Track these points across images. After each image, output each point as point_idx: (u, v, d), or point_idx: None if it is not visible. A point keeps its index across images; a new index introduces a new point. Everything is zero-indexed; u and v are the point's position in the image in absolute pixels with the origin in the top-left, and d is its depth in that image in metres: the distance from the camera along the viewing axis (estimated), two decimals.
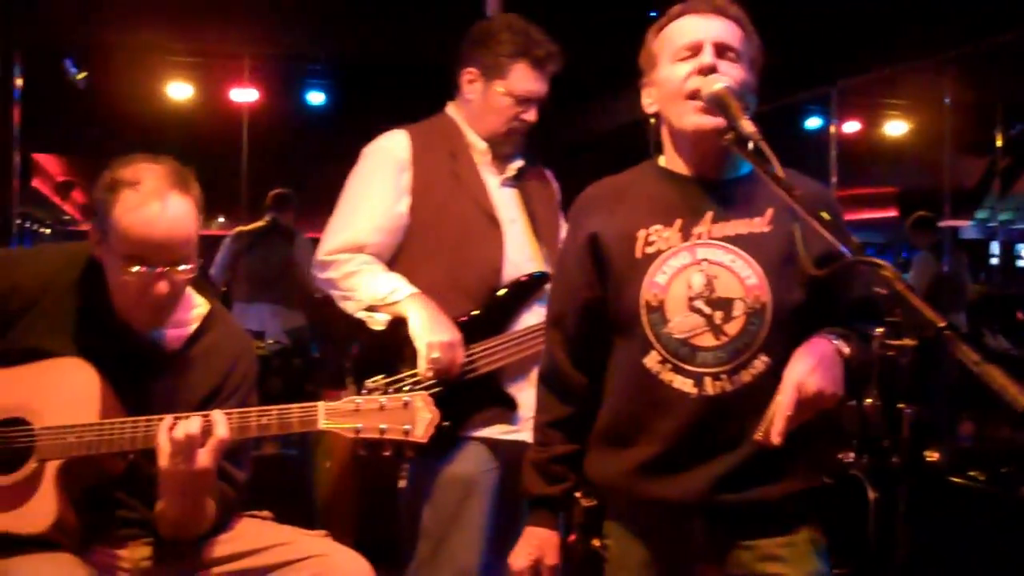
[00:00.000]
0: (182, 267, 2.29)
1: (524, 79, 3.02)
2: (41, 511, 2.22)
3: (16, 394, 2.30)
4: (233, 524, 2.47)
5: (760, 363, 2.05)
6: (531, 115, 3.06)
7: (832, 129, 9.24)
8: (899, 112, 10.68)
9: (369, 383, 2.91)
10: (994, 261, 11.48)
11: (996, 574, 4.33)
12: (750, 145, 1.96)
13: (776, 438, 1.95)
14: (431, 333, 2.84)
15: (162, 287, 2.28)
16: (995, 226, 11.95)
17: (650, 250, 2.11)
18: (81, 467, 2.27)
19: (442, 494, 2.96)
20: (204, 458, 2.18)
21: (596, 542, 2.22)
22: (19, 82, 5.78)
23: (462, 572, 2.95)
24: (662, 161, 2.23)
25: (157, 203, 2.23)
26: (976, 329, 8.47)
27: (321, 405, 2.21)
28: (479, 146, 3.09)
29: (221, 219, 13.00)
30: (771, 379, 2.02)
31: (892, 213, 12.09)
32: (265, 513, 2.58)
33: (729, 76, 2.07)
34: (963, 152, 9.66)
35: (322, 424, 2.21)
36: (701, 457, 2.07)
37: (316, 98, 9.62)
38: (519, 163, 3.14)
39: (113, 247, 2.28)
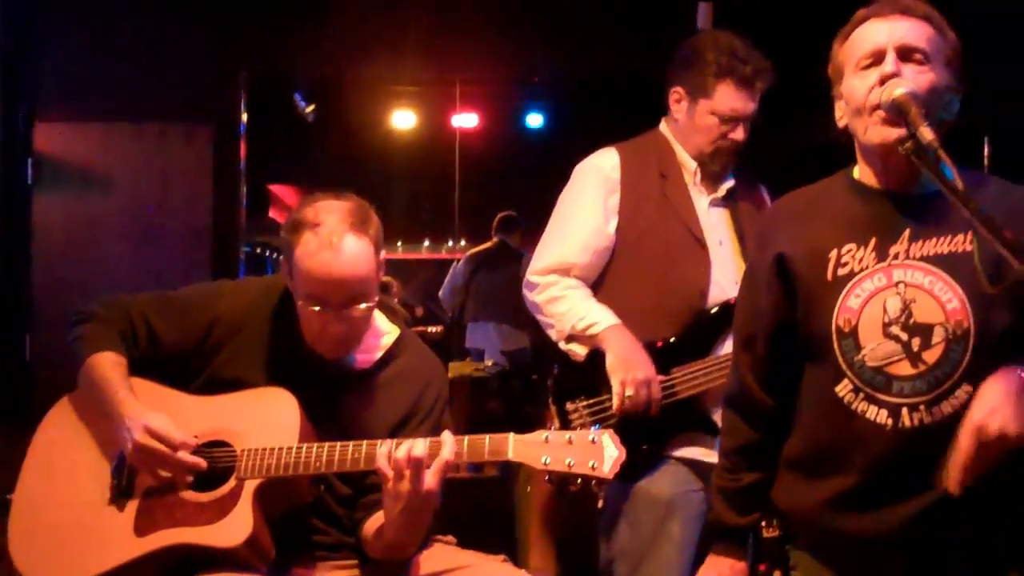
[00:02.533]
0: (359, 306, 2.34)
1: (729, 98, 2.96)
2: (237, 526, 2.28)
3: (221, 419, 2.40)
4: (424, 547, 2.49)
5: (963, 393, 1.92)
6: (738, 134, 2.99)
7: None
8: None
9: (569, 405, 2.93)
10: None
11: None
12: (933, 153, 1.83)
13: (955, 488, 1.84)
14: (626, 369, 2.82)
15: (338, 327, 2.35)
16: None
17: (842, 272, 2.01)
18: (277, 489, 2.33)
19: (641, 513, 2.93)
20: (431, 480, 2.19)
21: (778, 574, 2.13)
22: (244, 116, 6.05)
23: None
24: (856, 173, 2.12)
25: (333, 246, 2.29)
26: None
27: (511, 437, 2.20)
28: (689, 165, 3.05)
29: (426, 243, 13.29)
30: None
31: None
32: (448, 538, 2.59)
33: (914, 81, 1.94)
34: None
35: (510, 455, 2.20)
36: (899, 492, 1.96)
37: (535, 120, 9.70)
38: (730, 183, 3.08)
39: (297, 285, 2.36)
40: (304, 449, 2.30)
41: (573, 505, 3.56)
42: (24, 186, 5.61)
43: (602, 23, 6.82)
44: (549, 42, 7.18)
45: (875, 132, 1.98)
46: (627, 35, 6.78)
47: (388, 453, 2.19)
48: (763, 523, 2.15)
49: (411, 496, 2.19)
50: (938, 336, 1.93)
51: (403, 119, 9.66)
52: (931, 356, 1.93)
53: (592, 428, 2.20)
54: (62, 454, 2.48)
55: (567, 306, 2.96)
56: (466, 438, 2.23)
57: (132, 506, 2.36)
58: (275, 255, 11.27)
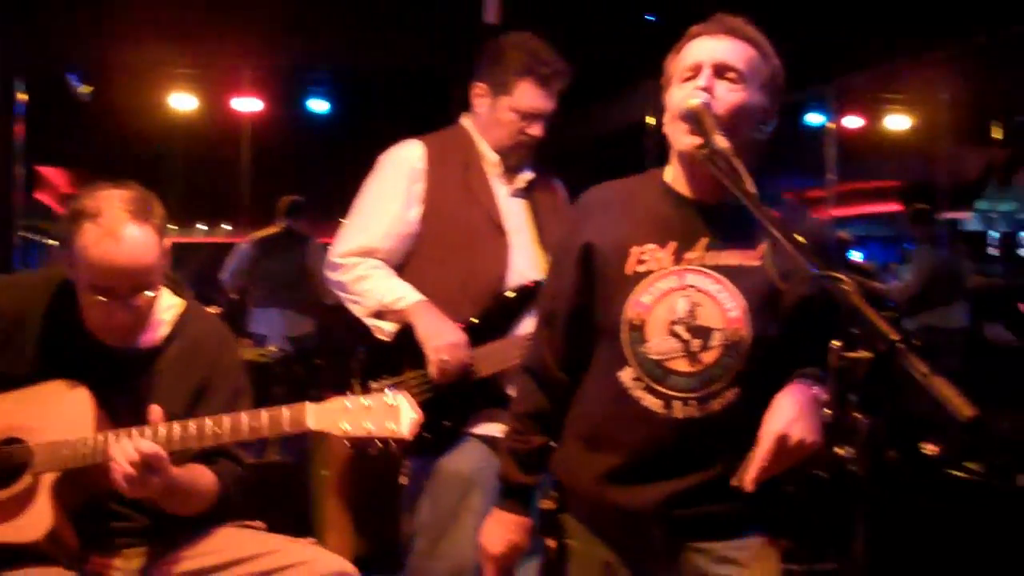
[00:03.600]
0: (144, 294, 2.37)
1: (529, 96, 3.11)
2: (36, 522, 2.28)
3: (12, 416, 2.37)
4: (218, 534, 2.54)
5: (731, 394, 2.09)
6: (536, 130, 3.14)
7: (832, 125, 9.29)
8: (900, 107, 10.71)
9: (374, 384, 3.02)
10: (994, 252, 11.50)
11: (991, 564, 4.38)
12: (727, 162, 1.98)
13: (749, 486, 2.00)
14: (438, 336, 2.95)
15: (124, 315, 2.36)
16: (995, 217, 12.00)
17: (641, 268, 2.14)
18: (75, 480, 2.33)
19: (442, 489, 3.05)
20: (156, 481, 2.24)
21: (552, 543, 2.26)
22: (23, 97, 5.85)
23: (460, 566, 3.03)
24: (667, 175, 2.24)
25: (116, 235, 2.29)
26: (978, 321, 8.50)
27: (309, 406, 2.28)
28: (490, 158, 3.18)
29: (227, 227, 13.08)
30: (739, 410, 2.07)
31: (895, 207, 12.12)
32: (257, 524, 2.64)
33: (724, 97, 2.08)
34: (963, 144, 9.69)
35: (310, 424, 2.27)
36: (662, 473, 2.12)
37: (319, 106, 9.67)
38: (528, 175, 3.23)
39: (80, 275, 2.35)
40: (97, 438, 2.30)
41: (372, 484, 3.66)
42: None
43: (389, 14, 6.90)
44: (334, 30, 7.21)
45: (681, 141, 2.11)
46: (412, 26, 6.88)
47: (124, 455, 2.22)
48: (539, 495, 2.29)
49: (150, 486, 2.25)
50: (716, 340, 2.08)
51: (182, 102, 9.47)
52: (708, 357, 2.08)
53: (387, 391, 2.30)
54: None
55: (373, 284, 3.06)
56: (264, 411, 2.29)
57: None
58: (41, 238, 10.85)
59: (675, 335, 2.10)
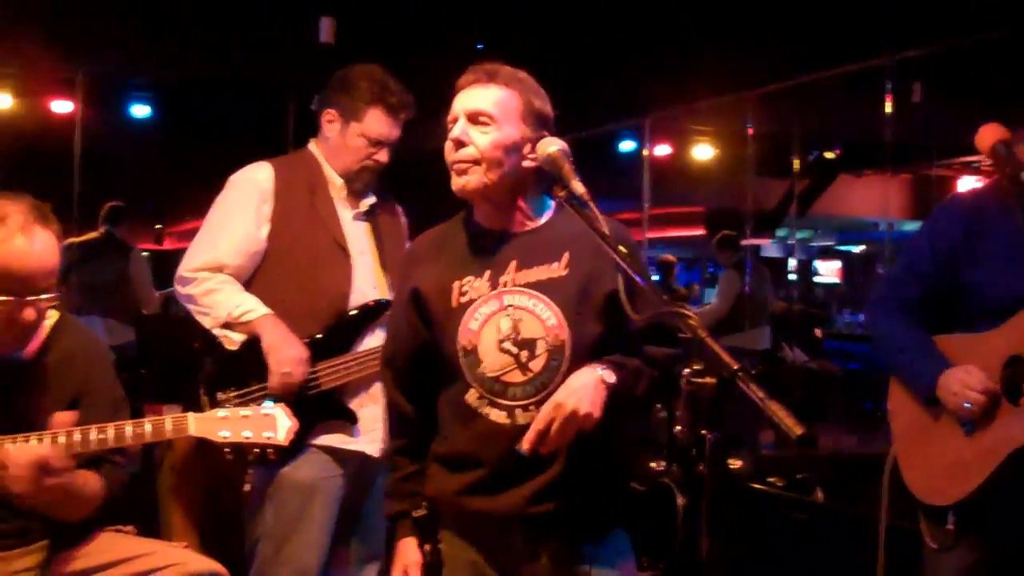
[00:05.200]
0: (46, 295, 2.46)
1: (378, 123, 3.28)
2: None
3: None
4: (98, 538, 2.64)
5: None
6: (383, 156, 3.32)
7: (645, 153, 9.76)
8: (706, 137, 11.32)
9: (220, 395, 3.15)
10: (792, 277, 12.22)
11: (793, 570, 4.77)
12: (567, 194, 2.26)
13: (527, 447, 2.24)
14: (282, 350, 3.09)
15: (29, 314, 2.44)
16: (793, 244, 12.76)
17: (464, 299, 2.37)
18: None
19: (285, 497, 3.19)
20: (50, 484, 2.35)
21: (427, 547, 2.46)
22: None
23: (304, 570, 3.19)
24: (468, 217, 2.49)
25: (24, 238, 2.40)
26: (777, 343, 9.05)
27: (191, 415, 2.43)
28: (336, 182, 3.34)
29: None
30: None
31: (700, 231, 12.73)
32: (128, 528, 2.75)
33: (480, 140, 2.33)
34: (764, 176, 10.29)
35: (192, 431, 2.41)
36: (519, 476, 2.34)
37: (141, 111, 9.54)
38: (372, 199, 3.40)
39: None
40: None
41: (215, 492, 3.75)
42: None
43: (219, 27, 6.93)
44: (164, 39, 7.19)
45: (452, 180, 2.38)
46: (241, 40, 6.94)
47: (21, 459, 2.32)
48: (413, 503, 2.48)
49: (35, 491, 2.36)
50: (541, 348, 2.33)
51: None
52: (536, 365, 2.32)
53: (266, 403, 2.49)
54: None
55: (223, 297, 3.17)
56: (147, 421, 2.41)
57: None
58: None
59: (505, 351, 2.33)
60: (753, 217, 9.99)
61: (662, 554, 4.81)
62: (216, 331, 3.20)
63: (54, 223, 2.48)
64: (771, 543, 4.92)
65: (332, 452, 3.21)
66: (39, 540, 2.58)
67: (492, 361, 2.33)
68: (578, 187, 2.24)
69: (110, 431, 2.41)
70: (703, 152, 11.56)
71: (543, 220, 2.44)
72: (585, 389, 2.24)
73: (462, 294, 2.38)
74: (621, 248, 2.17)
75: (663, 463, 5.31)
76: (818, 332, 10.93)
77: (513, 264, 2.38)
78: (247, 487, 3.23)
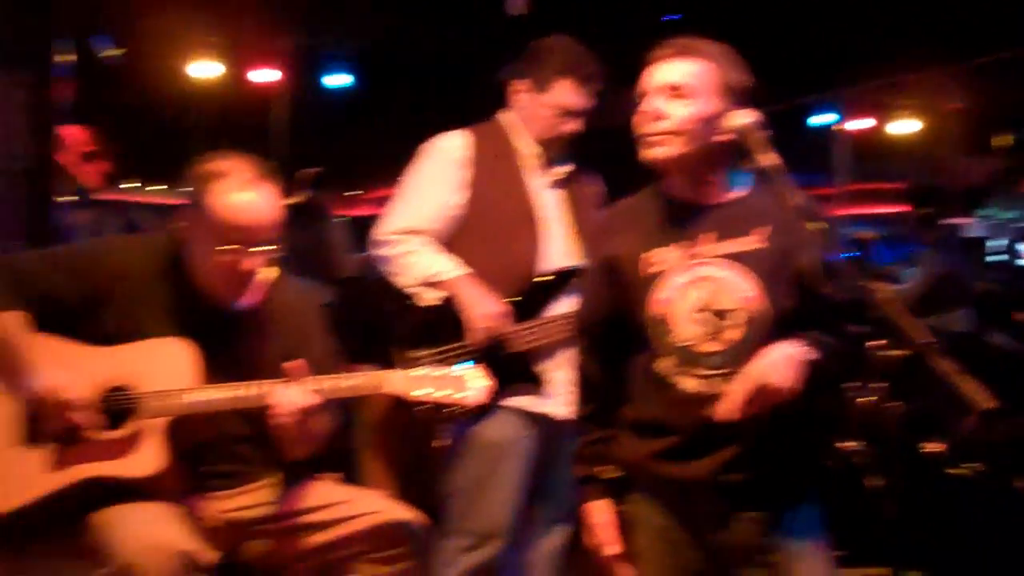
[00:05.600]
0: (269, 247, 2.59)
1: (568, 94, 3.31)
2: (146, 460, 2.51)
3: (123, 367, 2.58)
4: (310, 484, 2.78)
5: None
6: (573, 126, 3.35)
7: (842, 126, 9.48)
8: (908, 111, 10.90)
9: (414, 354, 3.23)
10: (996, 259, 11.69)
11: (991, 562, 4.58)
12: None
13: (721, 415, 2.24)
14: (480, 306, 3.17)
15: (253, 263, 2.58)
16: (997, 225, 12.19)
17: (656, 269, 2.38)
18: (179, 427, 2.55)
19: (477, 456, 3.28)
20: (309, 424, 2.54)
21: (621, 506, 2.49)
22: (66, 58, 6.03)
23: (494, 527, 3.28)
24: (662, 188, 2.49)
25: (251, 191, 2.55)
26: (981, 326, 8.68)
27: (388, 372, 2.53)
28: (529, 151, 3.39)
29: None
30: None
31: (901, 208, 12.28)
32: (333, 475, 2.88)
33: (677, 113, 2.33)
34: (969, 152, 9.88)
35: (387, 388, 2.51)
36: (711, 445, 2.35)
37: (340, 80, 9.78)
38: (565, 168, 3.43)
39: (207, 230, 2.57)
40: (201, 391, 2.52)
41: (413, 448, 3.84)
42: None
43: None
44: (363, 10, 7.36)
45: (641, 152, 2.38)
46: (436, 10, 7.04)
47: (285, 402, 2.47)
48: (604, 468, 2.51)
49: (297, 432, 2.51)
50: (736, 319, 2.32)
51: (204, 69, 9.60)
52: (731, 336, 2.32)
53: (461, 364, 2.56)
54: None
55: (419, 258, 3.26)
56: (359, 373, 2.54)
57: (45, 448, 2.53)
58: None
59: (698, 321, 2.33)
60: (957, 195, 9.60)
61: (850, 535, 4.71)
62: (412, 290, 3.28)
63: (272, 180, 2.60)
64: (965, 530, 4.75)
65: (522, 413, 3.27)
66: (256, 482, 2.74)
67: (685, 330, 2.34)
68: (769, 159, 2.23)
69: (326, 384, 2.53)
70: (905, 127, 11.12)
71: (740, 192, 2.43)
72: (782, 362, 2.23)
73: (655, 264, 2.39)
74: (814, 223, 2.16)
75: (854, 442, 5.18)
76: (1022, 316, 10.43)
77: (709, 235, 2.38)
78: (441, 443, 3.31)
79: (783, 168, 2.21)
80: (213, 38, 9.08)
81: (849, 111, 9.60)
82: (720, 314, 2.33)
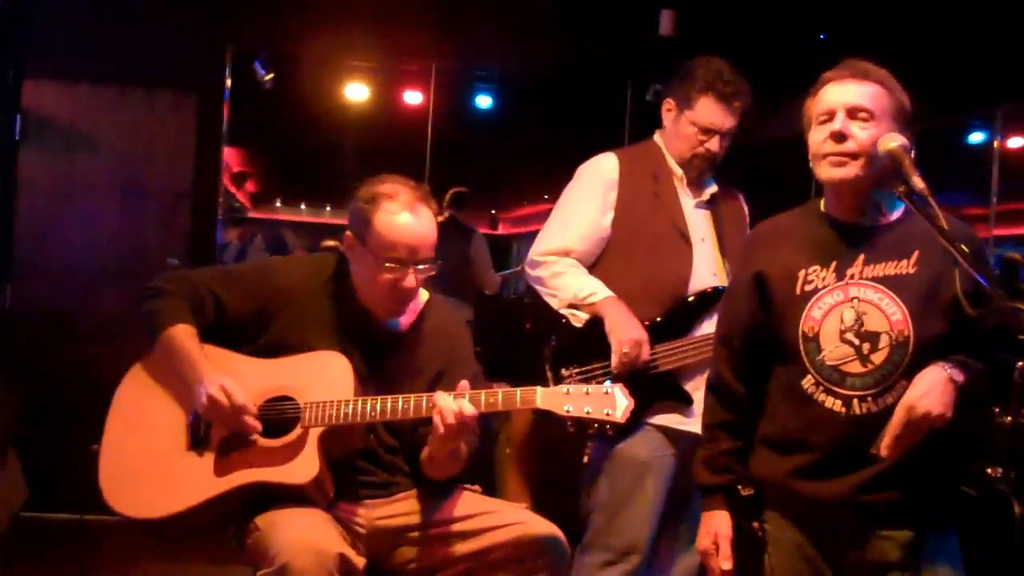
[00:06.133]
0: (427, 265, 2.74)
1: (708, 111, 3.36)
2: (304, 467, 2.65)
3: (284, 378, 2.74)
4: (453, 494, 2.88)
5: (903, 387, 2.33)
6: (714, 144, 3.39)
7: (995, 144, 9.22)
8: None
9: (564, 372, 3.32)
10: None
11: None
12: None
13: (885, 452, 2.29)
14: (623, 331, 3.22)
15: (411, 281, 2.72)
16: None
17: (808, 288, 2.44)
18: (335, 437, 2.70)
19: (620, 471, 3.34)
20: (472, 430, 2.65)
21: (756, 524, 2.53)
22: (228, 82, 6.33)
23: (633, 542, 3.32)
24: (822, 206, 2.54)
25: (412, 213, 2.69)
26: None
27: (539, 389, 2.59)
28: (677, 171, 3.45)
29: None
30: None
31: None
32: (475, 487, 2.96)
33: (860, 135, 2.36)
34: None
35: (539, 404, 2.58)
36: (849, 465, 2.38)
37: (484, 102, 9.94)
38: (713, 188, 3.49)
39: (371, 248, 2.72)
40: (359, 402, 2.65)
41: (552, 463, 3.94)
42: (11, 141, 5.78)
43: (560, 18, 7.14)
44: (509, 33, 7.49)
45: (825, 172, 2.42)
46: (585, 32, 7.11)
47: (450, 408, 2.57)
48: (740, 486, 2.55)
49: (457, 441, 2.62)
50: (884, 342, 2.36)
51: (356, 92, 9.88)
52: (878, 358, 2.36)
53: (606, 383, 2.64)
54: (139, 411, 2.80)
55: (569, 280, 3.36)
56: (500, 391, 2.61)
57: (210, 453, 2.72)
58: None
59: (847, 342, 2.38)
60: None
61: (992, 565, 4.59)
62: (563, 311, 3.37)
63: (434, 203, 2.74)
64: None
65: (666, 431, 3.32)
66: (404, 491, 2.86)
67: (833, 350, 2.38)
68: (918, 183, 2.25)
69: (486, 396, 2.62)
70: None
71: (894, 216, 2.47)
72: (936, 389, 2.26)
73: (807, 282, 2.44)
74: (963, 247, 2.18)
75: (1000, 469, 5.05)
76: None
77: (862, 257, 2.42)
78: (585, 459, 3.39)
79: (929, 191, 2.23)
80: (365, 62, 9.35)
81: (1007, 128, 9.33)
82: (868, 336, 2.37)
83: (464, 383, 2.63)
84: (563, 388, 2.59)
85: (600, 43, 6.90)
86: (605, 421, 2.56)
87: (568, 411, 2.56)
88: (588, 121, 8.36)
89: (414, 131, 9.73)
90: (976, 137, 10.25)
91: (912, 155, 2.31)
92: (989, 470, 5.09)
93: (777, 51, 6.05)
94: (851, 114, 2.40)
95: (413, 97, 9.71)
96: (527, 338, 7.32)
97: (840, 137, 2.38)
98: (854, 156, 2.37)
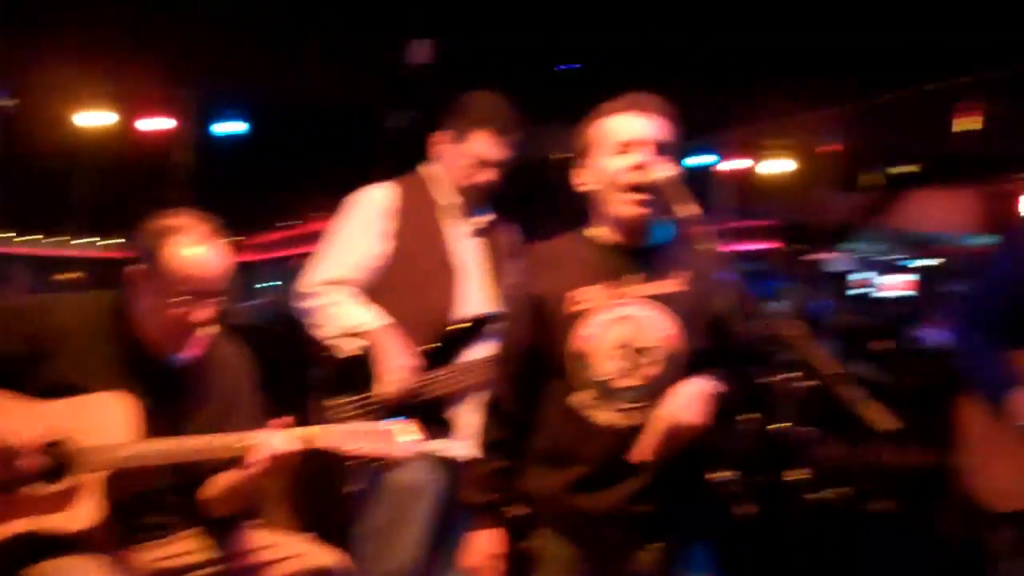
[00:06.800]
0: (218, 300, 2.74)
1: (487, 145, 3.49)
2: (82, 514, 2.59)
3: (58, 421, 2.66)
4: (236, 529, 2.90)
5: None
6: (492, 176, 3.53)
7: (718, 168, 9.92)
8: (784, 152, 11.41)
9: (331, 402, 3.40)
10: (861, 291, 12.21)
11: None
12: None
13: (639, 457, 2.43)
14: (393, 359, 3.33)
15: (205, 315, 2.71)
16: (864, 258, 12.74)
17: (582, 306, 2.56)
18: (116, 481, 2.64)
19: (389, 499, 3.43)
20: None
21: (529, 543, 2.64)
22: None
23: (404, 566, 3.43)
24: (589, 232, 2.66)
25: (208, 244, 2.70)
26: (843, 357, 9.13)
27: (323, 427, 2.68)
28: (448, 201, 3.56)
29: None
30: None
31: (773, 245, 12.80)
32: (258, 521, 3.00)
33: (662, 168, 2.50)
34: (837, 190, 10.40)
35: (318, 443, 2.66)
36: (620, 477, 2.52)
37: (229, 128, 9.86)
38: (484, 217, 3.62)
39: (160, 283, 2.68)
40: (143, 444, 2.63)
41: (318, 495, 3.96)
42: None
43: (310, 48, 7.21)
44: (258, 60, 7.49)
45: (627, 210, 2.53)
46: (336, 61, 7.20)
47: (260, 446, 2.60)
48: (512, 505, 2.65)
49: (257, 481, 2.66)
50: (655, 356, 2.50)
51: (94, 118, 9.60)
52: (649, 372, 2.50)
53: (392, 419, 2.72)
54: None
55: (343, 310, 3.41)
56: (298, 430, 2.66)
57: None
58: None
59: (617, 357, 2.51)
60: (823, 231, 10.10)
61: (725, 564, 4.94)
62: (331, 341, 3.43)
63: (223, 236, 2.75)
64: (831, 553, 5.03)
65: (433, 457, 3.43)
66: (185, 530, 2.85)
67: (604, 365, 2.51)
68: (690, 209, 2.42)
69: (255, 436, 2.65)
70: (777, 166, 11.67)
71: (664, 238, 2.60)
72: (694, 400, 2.41)
73: (581, 301, 2.55)
74: (728, 268, 2.37)
75: (727, 473, 5.43)
76: (881, 345, 10.97)
77: (631, 277, 2.55)
78: (351, 488, 3.48)
79: (698, 216, 2.41)
80: (103, 88, 9.10)
81: (725, 152, 10.04)
82: (640, 351, 2.50)
83: (285, 419, 2.66)
84: (345, 426, 2.68)
85: (352, 72, 6.99)
86: (385, 458, 2.65)
87: (352, 450, 2.64)
88: (339, 148, 8.43)
89: (157, 158, 9.56)
90: (697, 160, 10.96)
91: (681, 182, 2.46)
92: (722, 474, 5.49)
93: (527, 79, 6.33)
94: (650, 147, 2.50)
95: (157, 123, 9.54)
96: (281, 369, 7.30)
97: (641, 169, 2.48)
98: (655, 190, 2.48)
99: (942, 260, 17.73)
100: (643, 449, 2.42)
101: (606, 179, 2.56)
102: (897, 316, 16.05)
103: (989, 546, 3.04)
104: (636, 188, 2.51)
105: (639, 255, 2.59)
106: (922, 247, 16.66)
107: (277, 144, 9.49)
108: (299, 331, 3.60)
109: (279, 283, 14.83)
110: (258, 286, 16.69)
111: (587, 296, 2.55)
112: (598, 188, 2.59)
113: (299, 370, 3.61)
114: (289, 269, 17.42)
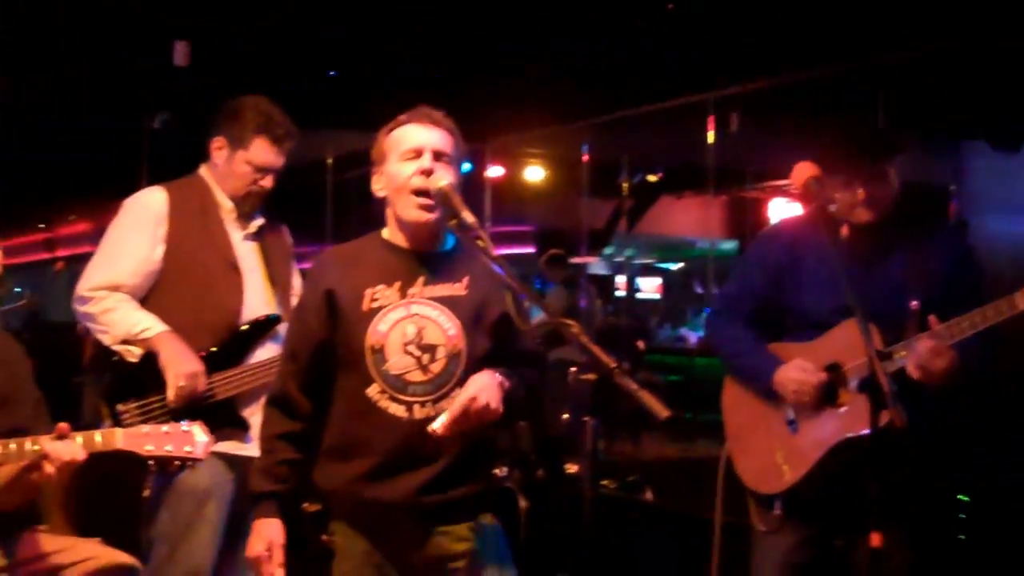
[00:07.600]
0: None
1: (263, 152, 3.54)
2: None
3: None
4: (20, 537, 2.85)
5: (457, 395, 2.63)
6: (268, 182, 3.58)
7: (483, 175, 10.15)
8: (538, 160, 11.81)
9: (121, 407, 3.36)
10: (620, 293, 12.74)
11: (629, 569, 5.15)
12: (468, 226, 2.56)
13: (440, 429, 2.55)
14: (178, 365, 3.33)
15: None
16: (621, 262, 13.28)
17: (375, 304, 2.68)
18: None
19: (181, 501, 3.41)
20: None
21: (324, 538, 2.71)
22: None
23: (196, 570, 3.41)
24: (385, 234, 2.79)
25: None
26: (614, 355, 9.53)
27: (119, 431, 2.67)
28: (226, 205, 3.58)
29: None
30: None
31: (530, 249, 13.19)
32: (43, 527, 2.94)
33: (445, 177, 2.64)
34: (593, 197, 10.83)
35: (119, 445, 2.65)
36: (410, 467, 2.64)
37: None
38: (260, 221, 3.66)
39: None
40: None
41: (110, 498, 3.88)
42: None
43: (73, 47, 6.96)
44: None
45: (413, 213, 2.68)
46: (98, 62, 6.98)
47: (57, 452, 2.55)
48: (306, 503, 2.75)
49: (37, 483, 2.60)
50: (440, 353, 2.65)
51: None
52: (436, 368, 2.65)
53: (185, 421, 2.74)
54: None
55: (121, 315, 3.39)
56: (79, 434, 2.63)
57: None
58: None
59: (409, 353, 2.64)
60: (583, 236, 10.50)
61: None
62: (116, 347, 3.40)
63: None
64: (609, 543, 5.28)
65: (225, 458, 3.44)
66: None
67: (397, 361, 2.63)
68: (468, 217, 2.55)
69: (47, 443, 2.61)
70: (535, 174, 12.06)
71: (450, 245, 2.77)
72: (491, 387, 2.57)
73: (374, 300, 2.67)
74: (510, 271, 2.49)
75: (505, 468, 5.63)
76: (640, 345, 11.50)
77: (422, 279, 2.69)
78: (146, 492, 3.43)
79: (477, 224, 2.53)
80: None
81: (483, 161, 10.29)
82: (427, 348, 2.64)
83: (63, 425, 2.62)
84: (143, 428, 2.67)
85: (113, 73, 6.81)
86: (187, 458, 2.67)
87: (150, 450, 2.64)
88: (102, 149, 8.16)
89: None
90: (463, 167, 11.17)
91: (459, 193, 2.60)
92: (496, 470, 5.68)
93: (287, 84, 6.33)
94: (436, 156, 2.65)
95: None
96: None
97: (428, 174, 2.62)
98: (436, 197, 2.61)
99: (683, 264, 18.79)
100: (446, 424, 2.54)
101: (396, 184, 2.70)
102: (652, 316, 16.89)
103: (753, 528, 3.27)
104: (422, 192, 2.65)
105: (427, 259, 2.73)
106: (674, 251, 17.58)
107: (37, 146, 9.09)
108: (49, 337, 3.53)
109: (20, 290, 14.21)
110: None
111: (383, 294, 2.68)
112: (389, 193, 2.73)
113: (58, 376, 3.53)
114: (37, 275, 16.73)
